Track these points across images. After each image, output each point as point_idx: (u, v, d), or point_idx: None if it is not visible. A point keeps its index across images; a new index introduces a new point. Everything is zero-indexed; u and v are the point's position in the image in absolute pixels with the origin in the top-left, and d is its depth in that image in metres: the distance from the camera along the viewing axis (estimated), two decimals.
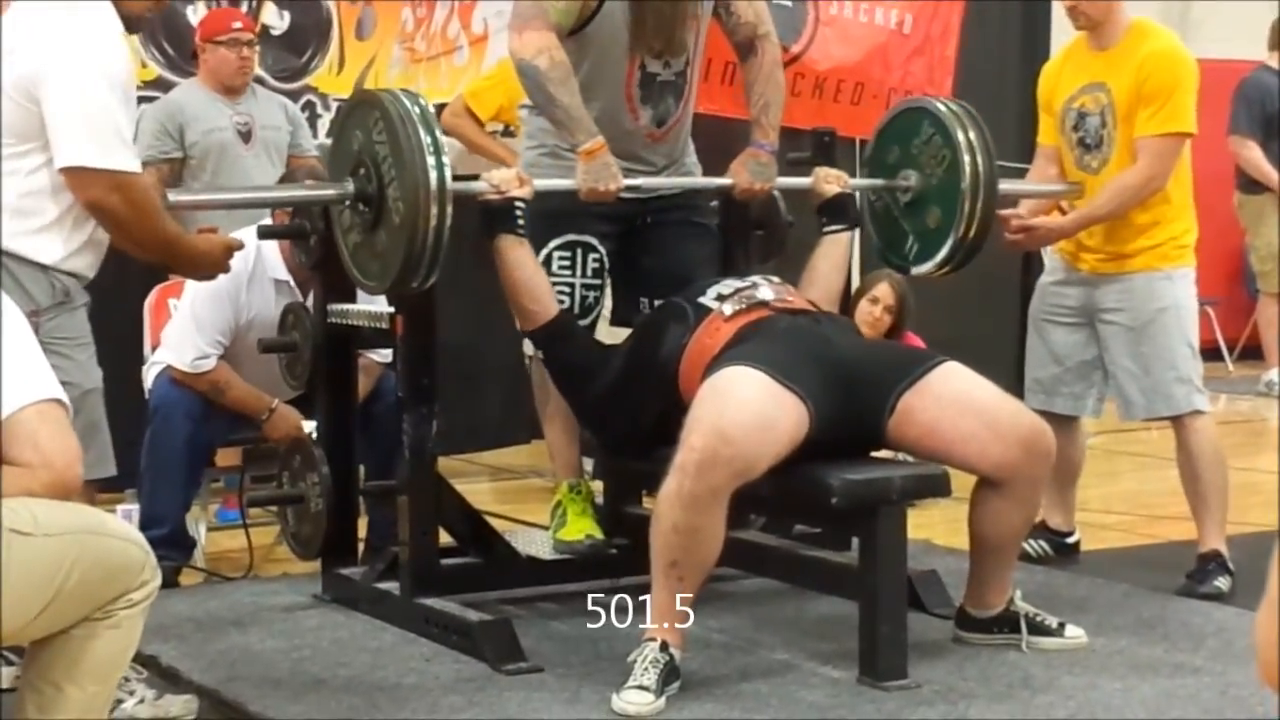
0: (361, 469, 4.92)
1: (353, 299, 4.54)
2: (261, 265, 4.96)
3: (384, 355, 4.92)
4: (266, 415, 5.06)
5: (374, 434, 4.77)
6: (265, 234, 4.86)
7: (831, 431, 3.83)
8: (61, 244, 3.55)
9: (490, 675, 3.91)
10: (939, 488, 3.95)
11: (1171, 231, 4.91)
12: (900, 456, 4.22)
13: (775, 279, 4.30)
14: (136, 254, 3.93)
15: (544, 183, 4.25)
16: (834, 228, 4.56)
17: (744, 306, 4.11)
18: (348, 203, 4.06)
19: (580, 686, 3.82)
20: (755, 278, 4.26)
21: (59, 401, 2.86)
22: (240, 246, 4.19)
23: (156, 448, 4.95)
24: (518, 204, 4.15)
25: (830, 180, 4.57)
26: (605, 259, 4.45)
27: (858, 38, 8.05)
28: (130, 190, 3.54)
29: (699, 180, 4.64)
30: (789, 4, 7.74)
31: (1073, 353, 5.02)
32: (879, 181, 4.76)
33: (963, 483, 4.02)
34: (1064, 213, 5.07)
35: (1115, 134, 4.85)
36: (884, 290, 6.01)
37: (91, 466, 3.53)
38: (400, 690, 3.82)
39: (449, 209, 3.85)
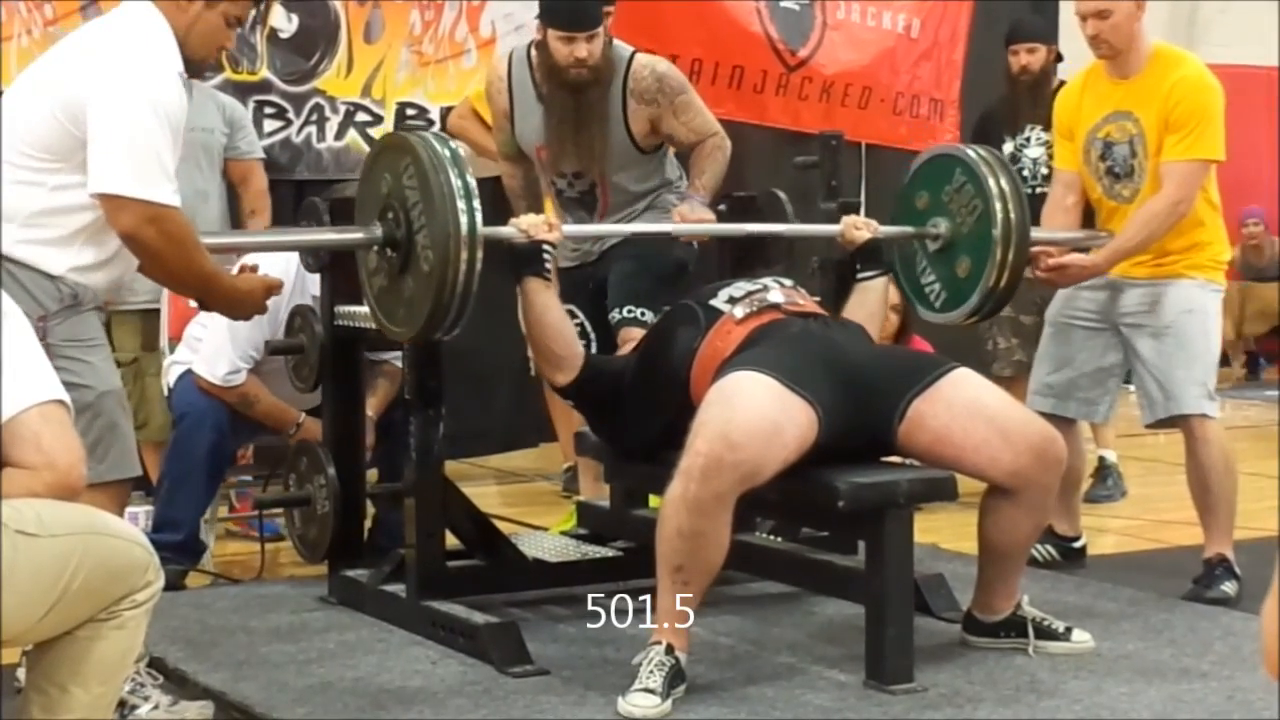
0: (377, 474, 4.96)
1: (359, 301, 4.53)
2: (302, 282, 4.92)
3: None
4: (294, 429, 5.06)
5: (394, 441, 4.76)
6: None
7: (841, 437, 3.83)
8: (66, 260, 3.50)
9: (496, 678, 3.90)
10: (946, 492, 3.94)
11: (1210, 253, 4.93)
12: (909, 463, 4.21)
13: (786, 281, 4.30)
14: (172, 288, 3.89)
15: (573, 228, 4.32)
16: (867, 274, 4.53)
17: (755, 309, 4.10)
18: (375, 248, 4.01)
19: (586, 689, 3.82)
20: (766, 280, 4.26)
21: (61, 403, 2.86)
22: (280, 287, 4.18)
23: (180, 455, 4.95)
24: (545, 247, 4.15)
25: (859, 227, 4.55)
26: (585, 323, 4.62)
27: (865, 42, 8.06)
28: (165, 223, 3.49)
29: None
30: (796, 7, 7.75)
31: (1091, 357, 5.00)
32: (909, 229, 4.70)
33: (969, 487, 4.02)
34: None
35: (1147, 164, 4.83)
36: (891, 291, 5.98)
37: (113, 467, 3.53)
38: (406, 692, 3.82)
39: (479, 254, 3.82)
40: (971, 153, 4.63)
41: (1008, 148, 6.37)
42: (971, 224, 4.57)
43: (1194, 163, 4.77)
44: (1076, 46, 5.23)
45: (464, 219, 3.80)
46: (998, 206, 4.49)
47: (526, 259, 4.15)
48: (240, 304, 3.89)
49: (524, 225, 4.16)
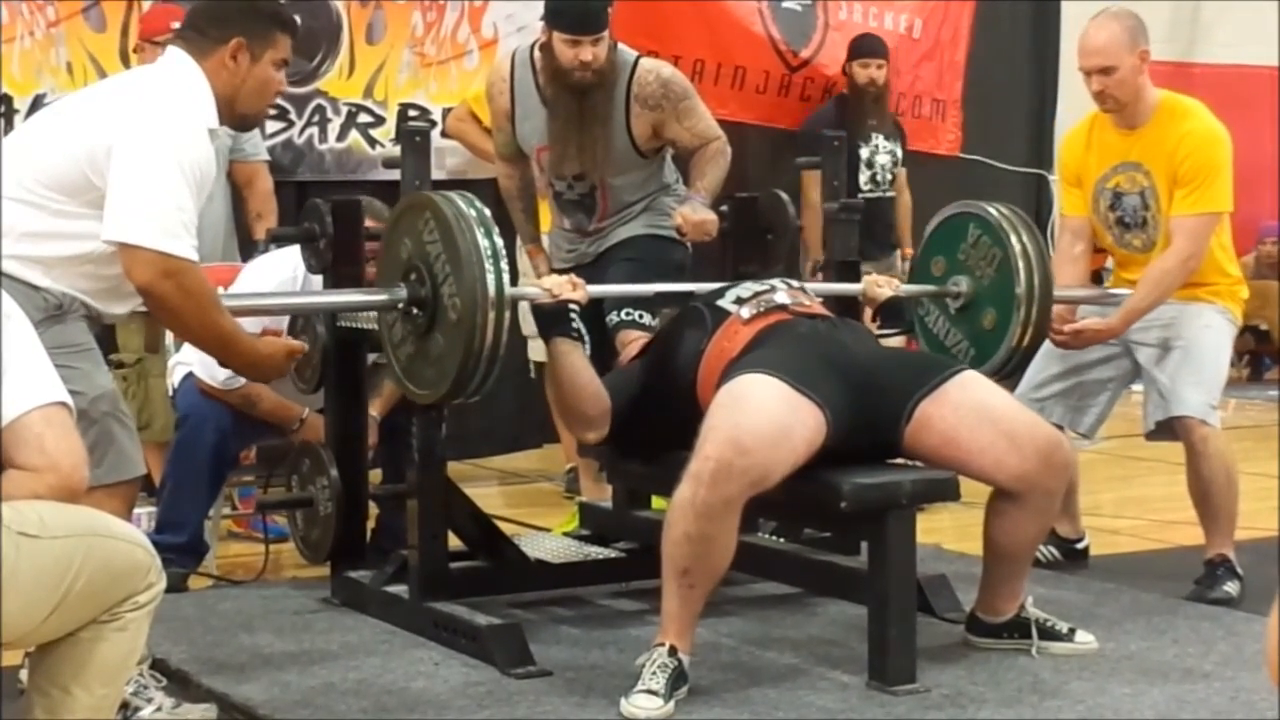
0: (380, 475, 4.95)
1: None
2: (305, 284, 4.92)
3: None
4: (297, 426, 5.06)
5: (398, 442, 4.76)
6: (274, 238, 4.85)
7: (848, 439, 3.82)
8: (50, 281, 3.50)
9: (499, 679, 3.90)
10: (948, 492, 3.94)
11: (1231, 290, 4.98)
12: (913, 464, 4.20)
13: (793, 282, 4.30)
14: (191, 344, 3.87)
15: (597, 289, 4.35)
16: (888, 332, 4.53)
17: (762, 310, 4.09)
18: (400, 307, 3.98)
19: (589, 691, 3.82)
20: (773, 281, 4.26)
21: (63, 405, 2.86)
22: (304, 352, 4.17)
23: (183, 456, 4.95)
24: (571, 307, 4.11)
25: (881, 284, 4.55)
26: (580, 326, 4.59)
27: None
28: (183, 277, 3.47)
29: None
30: (798, 8, 7.75)
31: (1090, 369, 5.02)
32: (930, 288, 4.71)
33: (971, 487, 4.01)
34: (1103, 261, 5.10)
35: (1159, 217, 4.86)
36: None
37: (112, 469, 3.52)
38: (409, 694, 3.82)
39: (506, 314, 3.83)
40: (992, 210, 4.62)
41: (863, 153, 7.00)
42: (992, 275, 4.58)
43: (1204, 216, 4.80)
44: (1074, 43, 5.24)
45: (491, 279, 3.79)
46: (1020, 265, 4.51)
47: (553, 320, 4.10)
48: (260, 366, 3.86)
49: (548, 285, 4.14)
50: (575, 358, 4.11)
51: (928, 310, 4.76)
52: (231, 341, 3.70)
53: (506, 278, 3.83)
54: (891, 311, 4.54)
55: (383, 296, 4.05)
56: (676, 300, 4.46)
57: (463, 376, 3.87)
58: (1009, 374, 4.67)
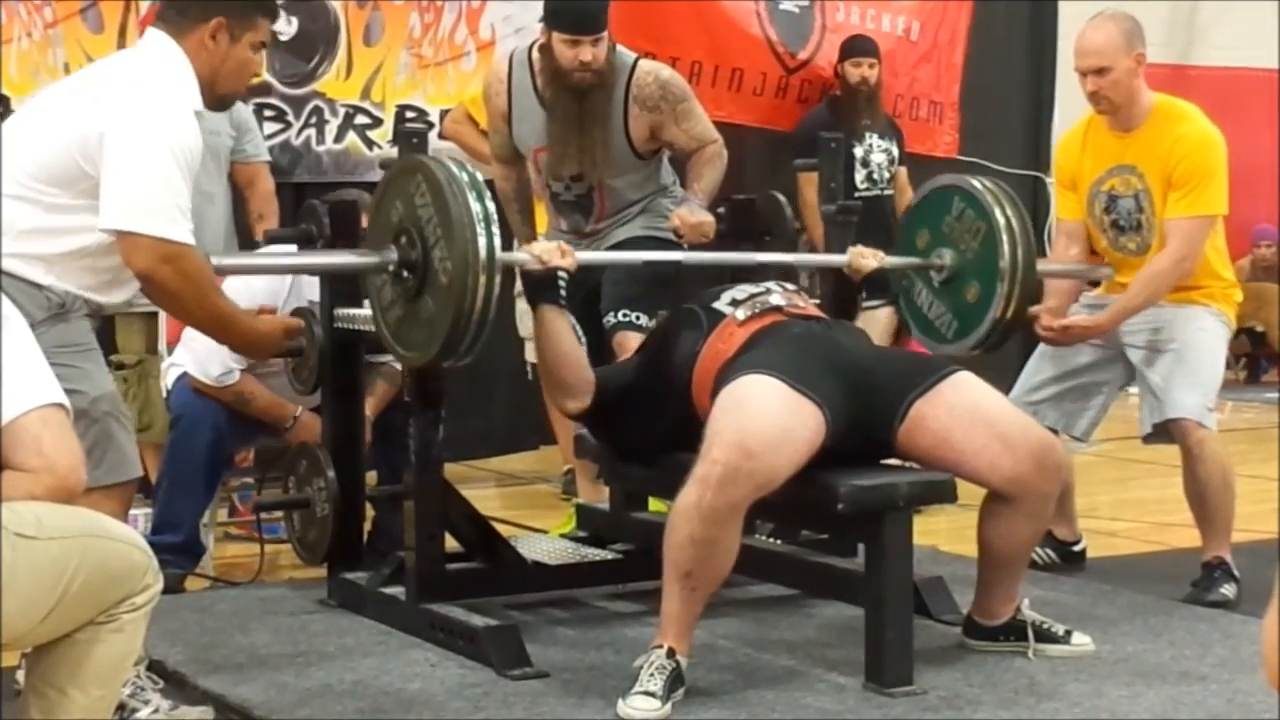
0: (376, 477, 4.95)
1: (359, 303, 4.54)
2: (299, 285, 4.93)
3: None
4: (290, 424, 5.06)
5: (392, 442, 4.76)
6: (272, 239, 4.85)
7: (845, 439, 3.83)
8: (52, 278, 3.51)
9: (496, 681, 3.91)
10: (945, 494, 3.94)
11: (1226, 293, 4.98)
12: (908, 465, 4.21)
13: (788, 285, 4.30)
14: (190, 326, 3.90)
15: (586, 255, 4.35)
16: (873, 303, 4.53)
17: (757, 311, 4.10)
18: (390, 269, 3.96)
19: (586, 692, 3.82)
20: (768, 283, 4.26)
21: (61, 406, 2.86)
22: (300, 328, 4.16)
23: (178, 456, 4.95)
24: (560, 274, 4.12)
25: (866, 256, 4.55)
26: (577, 327, 4.59)
27: None
28: (182, 261, 3.49)
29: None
30: (796, 10, 7.75)
31: (1085, 373, 5.02)
32: (915, 260, 4.69)
33: (969, 489, 4.02)
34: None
35: (1154, 220, 4.86)
36: None
37: (110, 471, 3.53)
38: (406, 695, 3.82)
39: (497, 279, 3.82)
40: (977, 183, 4.60)
41: (857, 152, 7.02)
42: (976, 248, 4.56)
43: (1197, 219, 4.80)
44: (1072, 45, 5.23)
45: (482, 242, 3.78)
46: (1004, 238, 4.47)
47: (541, 286, 4.12)
48: (259, 344, 3.91)
49: (537, 252, 4.14)
50: (560, 325, 4.14)
51: (912, 283, 4.75)
52: (230, 322, 3.74)
53: (498, 241, 3.82)
54: (876, 284, 4.54)
55: (373, 259, 4.03)
56: (673, 301, 4.46)
57: (453, 339, 3.86)
58: (991, 348, 4.63)
